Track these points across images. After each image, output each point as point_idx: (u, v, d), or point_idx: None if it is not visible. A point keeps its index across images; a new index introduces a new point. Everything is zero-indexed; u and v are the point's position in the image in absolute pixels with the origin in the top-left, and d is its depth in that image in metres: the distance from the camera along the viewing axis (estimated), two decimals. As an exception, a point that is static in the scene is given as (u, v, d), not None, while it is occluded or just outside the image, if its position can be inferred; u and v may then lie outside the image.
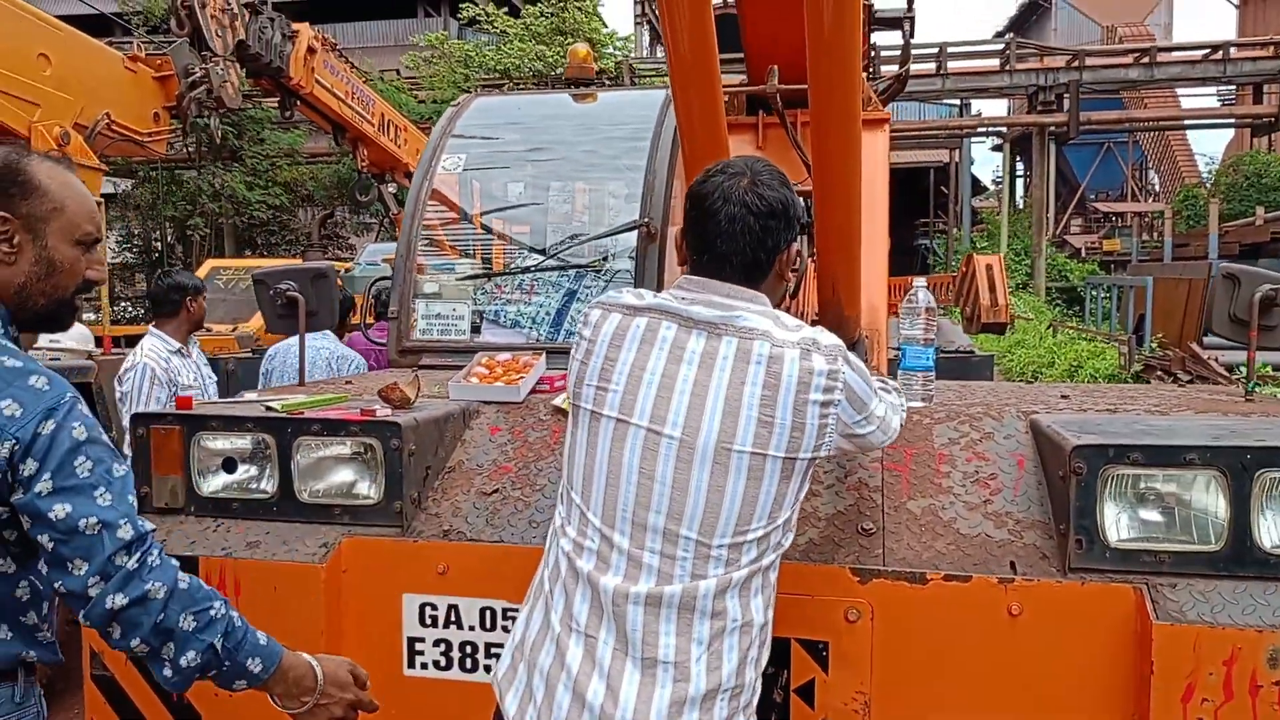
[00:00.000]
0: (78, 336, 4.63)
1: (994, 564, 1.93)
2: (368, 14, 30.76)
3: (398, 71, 24.70)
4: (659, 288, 3.63)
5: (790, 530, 1.59)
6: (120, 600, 1.44)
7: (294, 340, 3.88)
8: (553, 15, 23.75)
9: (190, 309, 4.05)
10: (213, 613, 1.54)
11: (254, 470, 2.34)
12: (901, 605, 1.91)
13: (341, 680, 1.67)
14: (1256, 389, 2.60)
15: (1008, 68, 24.65)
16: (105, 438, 1.52)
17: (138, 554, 1.47)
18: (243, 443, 2.33)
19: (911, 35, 5.77)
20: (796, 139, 3.77)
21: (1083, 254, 30.44)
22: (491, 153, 4.08)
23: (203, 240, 23.71)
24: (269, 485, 2.32)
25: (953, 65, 24.55)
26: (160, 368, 3.89)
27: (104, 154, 6.32)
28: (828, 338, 1.57)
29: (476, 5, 25.82)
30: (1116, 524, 1.86)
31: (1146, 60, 24.06)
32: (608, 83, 23.53)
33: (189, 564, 2.22)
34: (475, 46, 24.43)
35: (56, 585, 1.46)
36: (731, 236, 1.58)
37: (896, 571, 1.93)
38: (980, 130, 28.54)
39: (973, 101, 29.12)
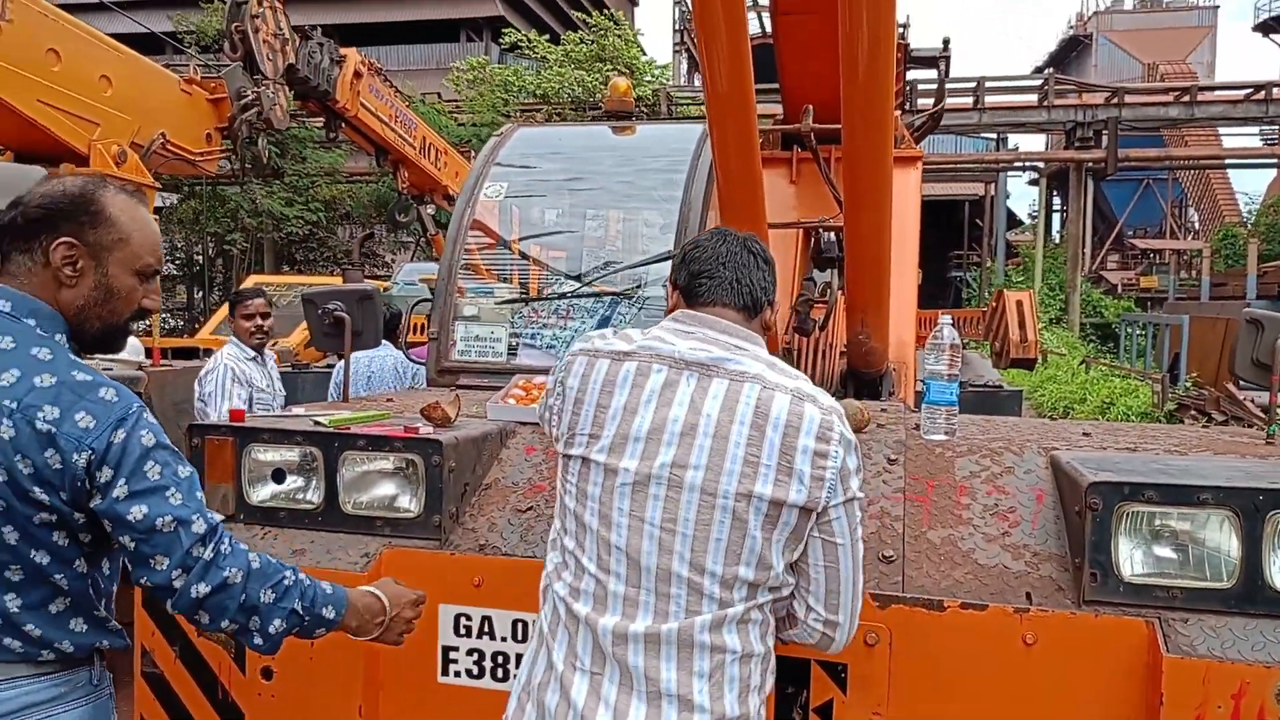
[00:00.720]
0: (129, 348, 4.79)
1: (1010, 594, 2.00)
2: (412, 38, 31.41)
3: (439, 95, 25.15)
4: (691, 316, 3.72)
5: (791, 576, 1.58)
6: (203, 589, 1.57)
7: (376, 351, 4.24)
8: (592, 42, 24.10)
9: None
10: (286, 582, 1.68)
11: (301, 481, 2.46)
12: (919, 631, 1.98)
13: (400, 595, 1.85)
14: (1276, 432, 2.64)
15: (1046, 103, 24.63)
16: (169, 442, 1.63)
17: (211, 544, 1.59)
18: (291, 455, 2.44)
19: (947, 74, 5.87)
20: (829, 175, 3.86)
21: (1119, 290, 30.20)
22: (532, 181, 4.21)
23: (242, 255, 24.20)
24: (315, 496, 2.43)
25: (990, 100, 24.56)
26: (239, 369, 4.31)
27: (157, 172, 6.55)
28: (826, 398, 1.57)
29: (518, 31, 26.29)
30: (1130, 559, 1.92)
31: (1187, 99, 23.95)
32: (645, 111, 23.83)
33: (238, 569, 2.34)
34: (515, 71, 24.83)
35: (143, 581, 1.58)
36: (733, 266, 1.64)
37: (915, 598, 2.00)
38: (1016, 165, 28.47)
39: (1010, 136, 29.14)
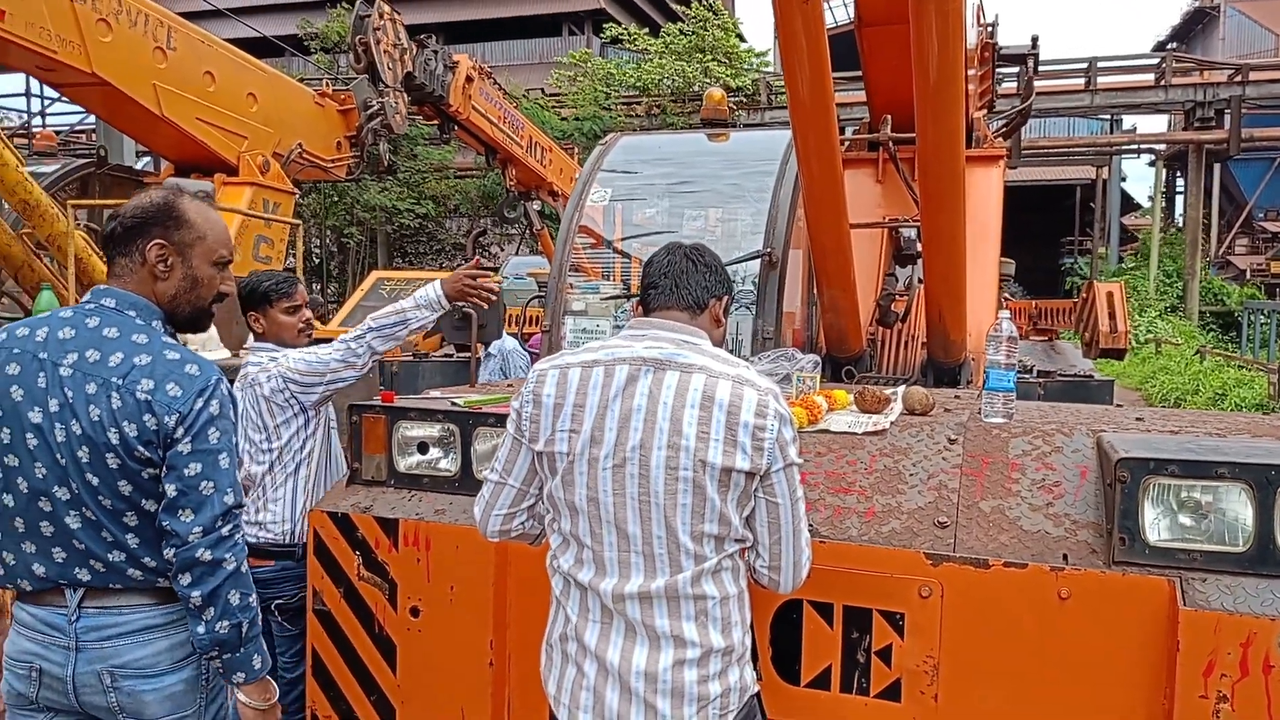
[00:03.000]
0: (278, 339, 5.40)
1: (1049, 555, 2.28)
2: (515, 34, 32.23)
3: (542, 90, 25.83)
4: (778, 309, 4.06)
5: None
6: (206, 555, 1.86)
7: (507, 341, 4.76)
8: (692, 34, 24.34)
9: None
10: (251, 600, 1.95)
11: (440, 453, 2.91)
12: (967, 585, 2.29)
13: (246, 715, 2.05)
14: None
15: (1163, 82, 23.72)
16: (233, 415, 2.01)
17: (231, 524, 1.91)
18: (433, 431, 2.90)
19: (1035, 71, 5.98)
20: (908, 179, 4.13)
21: (1247, 276, 28.79)
22: (633, 186, 4.61)
23: (358, 248, 25.44)
24: (452, 465, 2.88)
25: (1104, 80, 23.80)
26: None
27: (295, 178, 7.21)
28: (764, 381, 1.86)
29: (619, 25, 26.75)
30: (1156, 525, 2.19)
31: (1320, 73, 22.74)
32: (745, 99, 23.97)
33: (391, 526, 2.80)
34: (616, 64, 25.28)
35: (164, 523, 1.87)
36: (673, 275, 1.96)
37: (964, 557, 2.31)
38: (1131, 147, 27.45)
39: (1125, 117, 28.10)
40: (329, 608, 2.88)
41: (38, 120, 21.23)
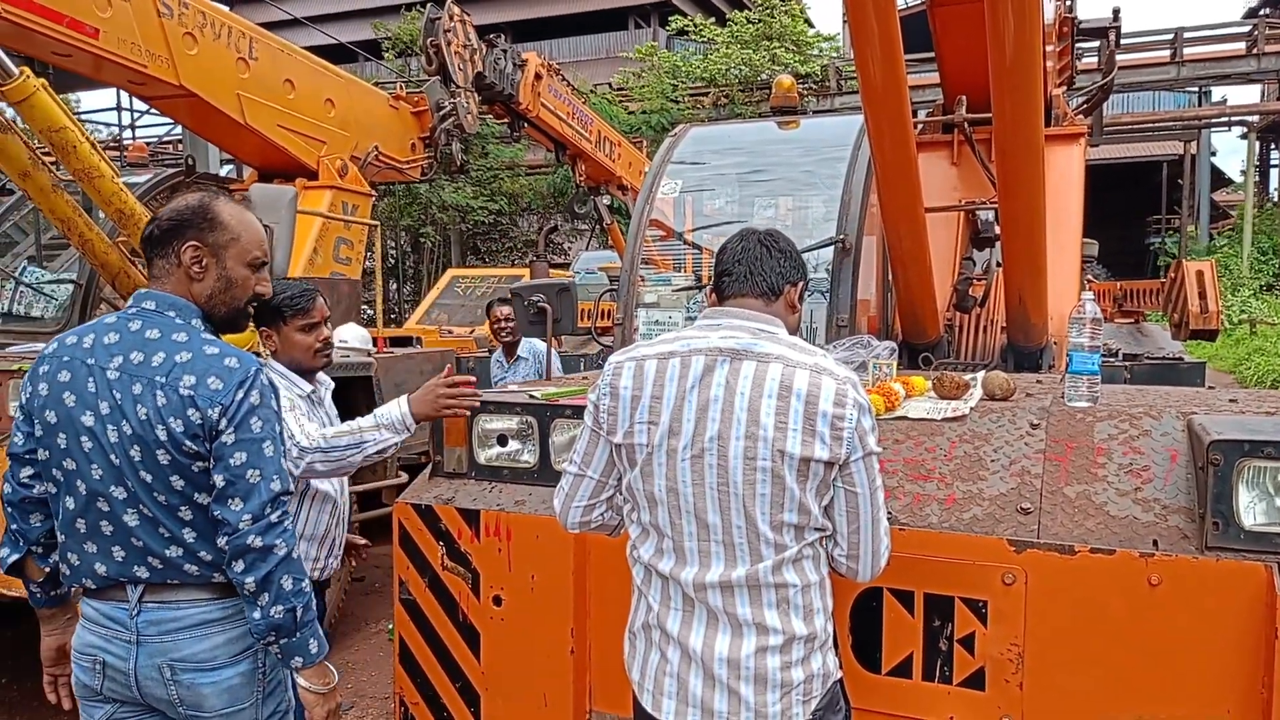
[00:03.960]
0: (359, 338, 5.54)
1: (1138, 542, 2.23)
2: (582, 29, 32.38)
3: (610, 85, 25.91)
4: (853, 296, 4.02)
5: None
6: (257, 542, 1.91)
7: (538, 342, 4.72)
8: (759, 21, 24.14)
9: None
10: (304, 585, 1.98)
11: (519, 445, 2.97)
12: (1052, 572, 2.25)
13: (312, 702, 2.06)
14: None
15: (1255, 50, 22.65)
16: (274, 404, 2.04)
17: (279, 510, 1.95)
18: (512, 423, 2.96)
19: (1118, 44, 5.79)
20: (984, 160, 4.05)
21: (1348, 250, 27.37)
22: (703, 176, 4.61)
23: (433, 247, 25.90)
24: (531, 457, 2.93)
25: (1190, 51, 22.84)
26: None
27: (372, 180, 7.38)
28: (842, 370, 1.85)
29: (684, 16, 26.67)
30: (1251, 510, 2.12)
31: None
32: (815, 85, 23.68)
33: (473, 516, 2.87)
34: (683, 56, 25.21)
35: (215, 513, 1.92)
36: (746, 261, 1.95)
37: (1048, 543, 2.27)
38: (1221, 120, 26.31)
39: (1214, 89, 26.95)
40: (414, 597, 2.96)
41: (128, 133, 22.12)
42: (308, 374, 2.97)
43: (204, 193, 2.17)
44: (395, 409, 2.76)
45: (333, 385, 3.19)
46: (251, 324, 2.78)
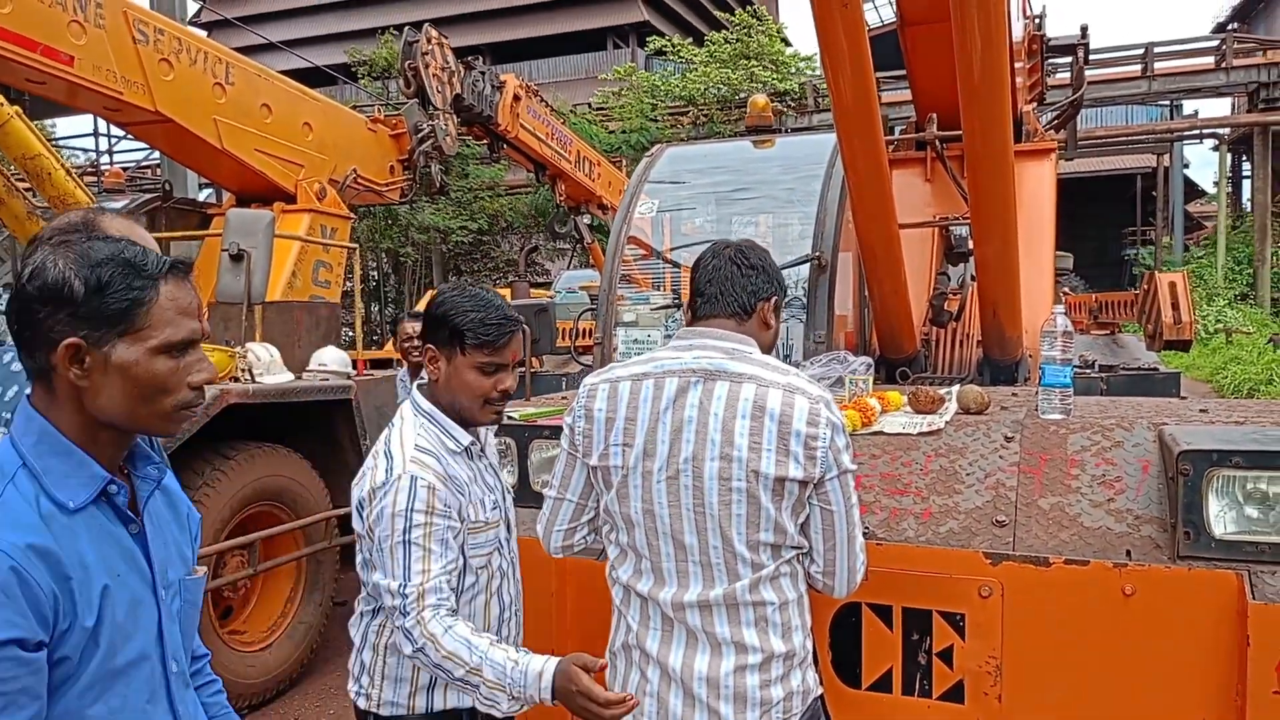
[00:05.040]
0: (339, 361, 5.54)
1: (1112, 552, 2.25)
2: (561, 50, 32.56)
3: (589, 105, 26.03)
4: (830, 312, 4.05)
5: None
6: None
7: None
8: (737, 41, 24.35)
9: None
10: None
11: (498, 466, 2.96)
12: (1028, 584, 2.26)
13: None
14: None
15: (1224, 64, 23.04)
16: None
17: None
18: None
19: (1086, 61, 5.88)
20: (956, 177, 4.09)
21: (1322, 260, 27.75)
22: (680, 196, 4.64)
23: (414, 268, 25.88)
24: (509, 478, 2.92)
25: (1161, 66, 23.21)
26: None
27: (351, 203, 7.39)
28: (815, 388, 1.84)
29: (663, 36, 26.87)
30: (1221, 518, 2.15)
31: (1391, 46, 21.90)
32: (793, 104, 23.89)
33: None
34: (661, 76, 25.39)
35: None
36: (718, 281, 1.94)
37: (1023, 555, 2.29)
38: (1191, 133, 26.71)
39: (1185, 102, 27.36)
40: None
41: (105, 159, 22.04)
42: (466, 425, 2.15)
43: (86, 211, 1.78)
44: (534, 679, 1.85)
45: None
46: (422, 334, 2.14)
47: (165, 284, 1.32)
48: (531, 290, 9.87)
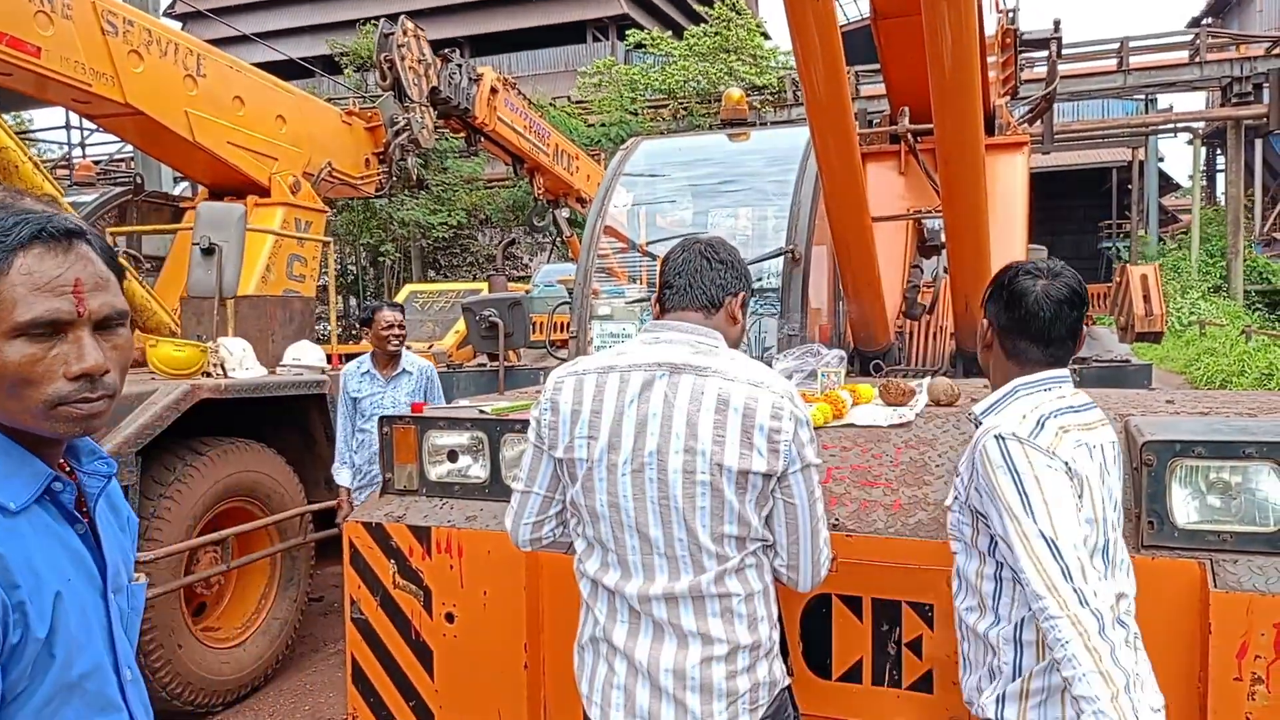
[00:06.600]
0: (314, 356, 5.50)
1: (1078, 542, 2.27)
2: (540, 43, 32.45)
3: (569, 98, 25.96)
4: (803, 306, 4.06)
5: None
6: None
7: None
8: (716, 35, 24.35)
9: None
10: None
11: (470, 460, 2.96)
12: (995, 574, 2.27)
13: None
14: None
15: (1198, 59, 23.27)
16: None
17: None
18: (462, 439, 2.95)
19: (1059, 55, 5.91)
20: (928, 169, 4.11)
21: (1293, 253, 28.13)
22: (656, 189, 4.64)
23: (393, 263, 25.74)
24: (482, 472, 2.92)
25: (1136, 60, 23.41)
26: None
27: (325, 196, 7.33)
28: (780, 383, 1.86)
29: (642, 29, 26.83)
30: (1184, 508, 2.17)
31: (1362, 41, 22.17)
32: (771, 98, 23.93)
33: (424, 533, 2.85)
34: (641, 70, 25.35)
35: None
36: (687, 274, 1.95)
37: (991, 546, 2.30)
38: (1166, 127, 26.97)
39: (1160, 96, 27.62)
40: (366, 616, 2.93)
41: (77, 151, 21.75)
42: None
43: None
44: None
45: None
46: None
47: (23, 256, 1.12)
48: (510, 285, 9.84)
